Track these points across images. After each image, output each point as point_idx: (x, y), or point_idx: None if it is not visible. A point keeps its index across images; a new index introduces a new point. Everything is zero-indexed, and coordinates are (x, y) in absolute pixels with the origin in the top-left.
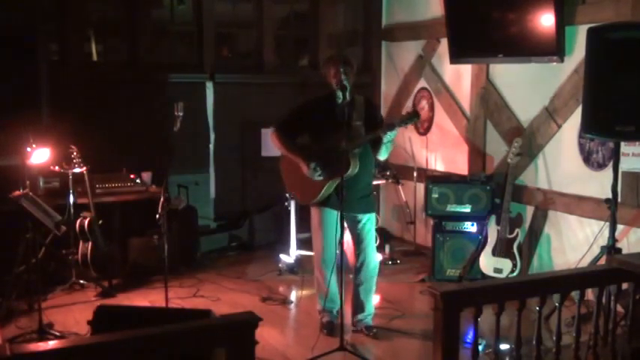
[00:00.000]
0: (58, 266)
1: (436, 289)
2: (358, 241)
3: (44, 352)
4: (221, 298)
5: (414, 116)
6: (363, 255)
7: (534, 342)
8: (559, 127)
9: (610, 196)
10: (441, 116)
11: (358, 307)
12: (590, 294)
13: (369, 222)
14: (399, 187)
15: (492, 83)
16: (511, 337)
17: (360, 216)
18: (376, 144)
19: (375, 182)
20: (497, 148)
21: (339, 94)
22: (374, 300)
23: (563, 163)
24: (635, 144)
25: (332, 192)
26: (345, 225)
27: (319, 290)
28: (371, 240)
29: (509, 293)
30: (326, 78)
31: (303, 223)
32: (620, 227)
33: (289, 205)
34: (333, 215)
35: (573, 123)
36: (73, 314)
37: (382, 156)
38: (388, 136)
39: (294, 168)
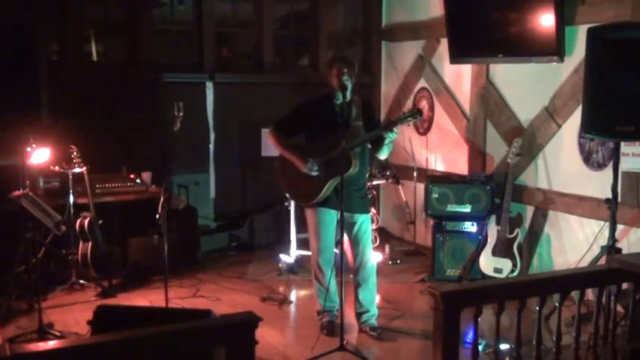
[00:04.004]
0: (58, 266)
1: (436, 289)
2: (355, 242)
3: (44, 352)
4: (221, 298)
5: (416, 113)
6: (361, 256)
7: (534, 342)
8: (559, 127)
9: (610, 196)
10: (441, 116)
11: (361, 308)
12: (590, 294)
13: (365, 222)
14: (399, 187)
15: (492, 83)
16: (511, 337)
17: (356, 216)
18: (377, 143)
19: (375, 182)
20: (497, 148)
21: (339, 94)
22: (376, 300)
23: (563, 163)
24: (635, 144)
25: (330, 192)
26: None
27: (319, 290)
28: (368, 241)
29: (509, 293)
30: (327, 77)
31: (303, 223)
32: (620, 227)
33: (289, 205)
34: (331, 215)
35: (573, 123)
36: (73, 314)
37: (383, 155)
38: (391, 135)
39: (291, 168)
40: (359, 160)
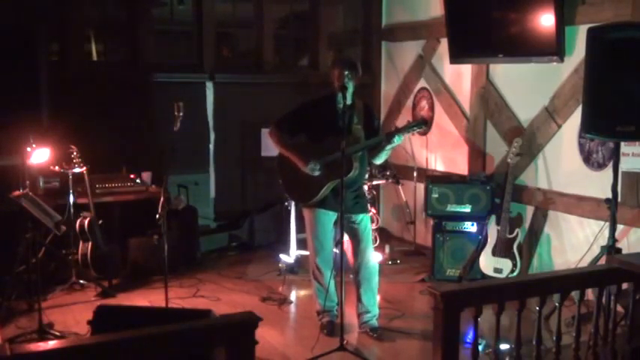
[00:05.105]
0: (58, 266)
1: (436, 289)
2: (355, 242)
3: (44, 352)
4: (221, 298)
5: (421, 123)
6: (361, 256)
7: (534, 342)
8: (559, 127)
9: (610, 196)
10: (441, 116)
11: (362, 308)
12: (590, 294)
13: (364, 221)
14: (399, 187)
15: (492, 83)
16: (511, 337)
17: (355, 217)
18: (375, 148)
19: (375, 182)
20: (497, 148)
21: (340, 96)
22: (378, 300)
23: (563, 163)
24: (635, 144)
25: (328, 193)
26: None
27: (318, 291)
28: (368, 240)
29: (509, 293)
30: (329, 78)
31: (303, 223)
32: (620, 227)
33: (289, 205)
34: (328, 216)
35: (573, 123)
36: (73, 314)
37: (380, 160)
38: (394, 142)
39: (290, 167)
40: (359, 163)
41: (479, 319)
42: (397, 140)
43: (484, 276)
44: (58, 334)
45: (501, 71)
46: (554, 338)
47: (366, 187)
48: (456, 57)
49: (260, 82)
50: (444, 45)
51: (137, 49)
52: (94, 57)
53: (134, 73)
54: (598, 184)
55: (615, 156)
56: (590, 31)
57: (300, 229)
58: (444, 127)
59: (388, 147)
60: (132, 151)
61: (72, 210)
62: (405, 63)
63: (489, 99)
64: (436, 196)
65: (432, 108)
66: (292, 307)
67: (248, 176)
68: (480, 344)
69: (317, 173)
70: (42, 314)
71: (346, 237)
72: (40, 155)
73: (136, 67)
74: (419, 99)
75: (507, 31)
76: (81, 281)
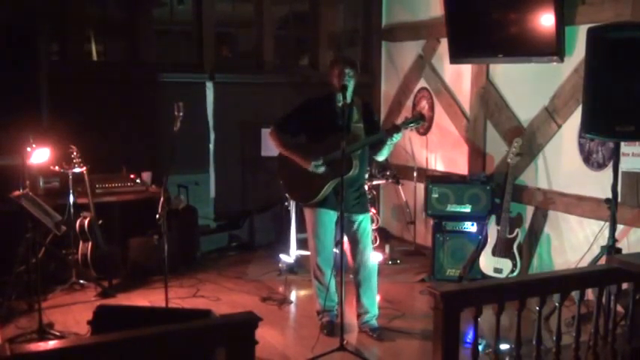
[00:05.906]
0: (58, 266)
1: (436, 289)
2: (355, 242)
3: (44, 352)
4: (221, 298)
5: (419, 118)
6: (360, 256)
7: (534, 342)
8: (559, 127)
9: (610, 196)
10: (441, 116)
11: (361, 308)
12: (590, 294)
13: (364, 222)
14: (399, 187)
15: (492, 83)
16: (511, 337)
17: (355, 216)
18: (377, 145)
19: (375, 182)
20: (497, 148)
21: (340, 95)
22: (377, 300)
23: (563, 163)
24: (635, 144)
25: (329, 192)
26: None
27: (319, 290)
28: (367, 240)
29: (509, 293)
30: (329, 77)
31: (303, 223)
32: (620, 227)
33: (289, 205)
34: (329, 215)
35: (573, 123)
36: (73, 314)
37: (382, 157)
38: (393, 138)
39: (291, 167)
40: (359, 161)
41: (479, 319)
42: (397, 136)
43: (484, 276)
44: (58, 334)
45: (501, 71)
46: (554, 338)
47: (366, 187)
48: (456, 57)
49: (260, 82)
50: (444, 45)
51: (137, 49)
52: (94, 57)
53: (134, 73)
54: (598, 184)
55: (615, 156)
56: (590, 31)
57: (300, 229)
58: (444, 127)
59: (389, 142)
60: (132, 151)
61: (72, 210)
62: (405, 63)
63: (489, 99)
64: (436, 196)
65: (432, 108)
66: (292, 307)
67: (248, 176)
68: (480, 344)
69: (322, 169)
70: (42, 314)
71: (346, 237)
72: (40, 155)
73: (135, 67)
74: (419, 99)
75: (507, 31)
76: (81, 281)
